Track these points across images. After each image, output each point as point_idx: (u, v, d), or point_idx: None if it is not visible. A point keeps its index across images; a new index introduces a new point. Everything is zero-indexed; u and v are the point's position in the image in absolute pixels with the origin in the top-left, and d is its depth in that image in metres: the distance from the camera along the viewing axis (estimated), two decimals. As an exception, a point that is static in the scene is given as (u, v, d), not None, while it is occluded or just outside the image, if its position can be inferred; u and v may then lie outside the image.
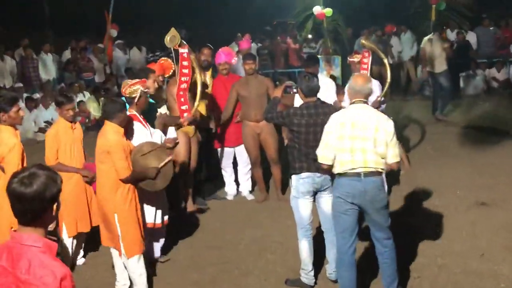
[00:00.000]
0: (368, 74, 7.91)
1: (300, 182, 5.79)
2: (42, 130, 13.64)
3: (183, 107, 7.17)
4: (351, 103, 5.43)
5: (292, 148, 5.85)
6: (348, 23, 16.37)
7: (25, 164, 5.68)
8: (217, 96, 8.63)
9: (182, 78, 7.07)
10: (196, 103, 7.26)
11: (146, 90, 6.18)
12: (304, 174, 5.77)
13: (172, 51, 7.10)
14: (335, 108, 5.94)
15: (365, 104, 5.40)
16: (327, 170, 5.44)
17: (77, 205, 6.49)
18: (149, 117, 6.43)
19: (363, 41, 8.31)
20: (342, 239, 5.43)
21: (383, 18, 18.66)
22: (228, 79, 8.69)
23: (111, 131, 5.75)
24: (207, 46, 8.64)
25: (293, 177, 5.87)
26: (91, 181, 6.45)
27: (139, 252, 5.84)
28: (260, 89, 8.35)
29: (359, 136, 5.22)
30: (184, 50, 7.06)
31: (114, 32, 16.69)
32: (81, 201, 6.54)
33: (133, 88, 6.06)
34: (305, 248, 5.91)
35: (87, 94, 15.57)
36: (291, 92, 5.89)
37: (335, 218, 5.45)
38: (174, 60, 7.16)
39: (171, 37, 6.92)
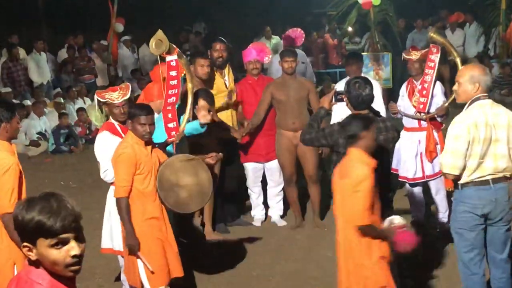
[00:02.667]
0: (435, 74, 7.86)
1: None
2: (35, 144, 13.73)
3: (170, 125, 6.84)
4: (474, 100, 5.38)
5: None
6: (400, 14, 16.24)
7: (23, 188, 5.44)
8: (245, 100, 8.60)
9: (170, 91, 6.78)
10: (186, 116, 7.07)
11: (107, 100, 6.25)
12: None
13: (158, 58, 6.86)
14: (392, 122, 5.77)
15: (490, 99, 5.46)
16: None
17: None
18: None
19: (432, 34, 8.24)
20: (469, 259, 5.53)
21: (442, 7, 18.52)
22: (258, 81, 8.66)
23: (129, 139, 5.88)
24: (219, 40, 8.62)
25: None
26: None
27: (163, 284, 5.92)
28: (299, 93, 8.29)
29: (492, 138, 5.33)
30: (172, 58, 6.82)
31: (119, 27, 16.80)
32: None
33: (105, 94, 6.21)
34: None
35: (88, 100, 15.69)
36: (345, 100, 5.62)
37: (460, 235, 5.54)
38: (161, 72, 6.91)
39: (157, 42, 6.64)
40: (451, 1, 18.72)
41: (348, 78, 8.54)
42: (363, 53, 11.35)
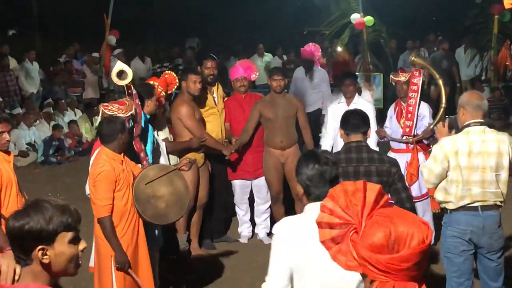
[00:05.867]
0: (419, 97, 7.92)
1: None
2: (24, 154, 13.69)
3: (142, 154, 6.55)
4: (464, 126, 5.40)
5: None
6: (393, 35, 16.36)
7: (10, 197, 5.49)
8: (232, 118, 8.64)
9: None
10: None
11: (114, 113, 6.12)
12: None
13: (125, 90, 6.52)
14: (384, 155, 5.63)
15: (483, 125, 5.42)
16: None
17: None
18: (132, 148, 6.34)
19: (413, 58, 8.29)
20: (458, 284, 5.53)
21: (436, 29, 18.66)
22: (246, 98, 8.69)
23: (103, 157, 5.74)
24: (211, 57, 8.69)
25: None
26: None
27: None
28: (288, 111, 8.32)
29: (478, 166, 5.33)
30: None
31: (112, 39, 16.80)
32: None
33: (101, 109, 6.13)
34: None
35: (79, 112, 15.71)
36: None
37: (449, 259, 5.55)
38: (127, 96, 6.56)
39: (119, 73, 6.40)
40: (444, 24, 18.85)
41: (341, 98, 8.63)
42: (356, 73, 11.44)
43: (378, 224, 2.34)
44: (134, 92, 6.42)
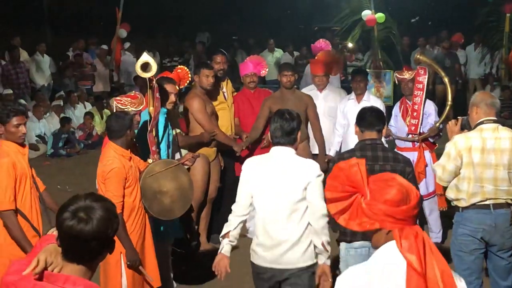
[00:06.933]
0: (424, 95, 7.91)
1: (351, 254, 5.27)
2: (34, 147, 13.73)
3: (154, 147, 6.48)
4: (477, 124, 5.42)
5: None
6: (404, 32, 16.29)
7: (24, 191, 5.48)
8: (241, 113, 8.65)
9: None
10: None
11: (126, 109, 6.13)
12: (357, 243, 5.23)
13: (148, 83, 6.43)
14: (399, 154, 5.49)
15: (496, 123, 5.43)
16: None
17: None
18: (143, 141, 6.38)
19: (418, 56, 8.28)
20: (468, 283, 5.45)
21: (447, 27, 18.61)
22: (254, 94, 8.71)
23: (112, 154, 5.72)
24: (220, 52, 8.71)
25: (342, 245, 5.41)
26: None
27: None
28: (297, 107, 8.28)
29: (491, 163, 5.33)
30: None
31: (123, 33, 16.83)
32: None
33: (113, 104, 6.12)
34: None
35: (88, 105, 15.76)
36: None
37: (459, 258, 5.55)
38: (149, 93, 6.51)
39: (143, 65, 6.33)
40: (456, 22, 18.79)
41: (351, 94, 8.62)
42: (366, 70, 11.41)
43: (388, 185, 2.96)
44: (156, 85, 6.41)
